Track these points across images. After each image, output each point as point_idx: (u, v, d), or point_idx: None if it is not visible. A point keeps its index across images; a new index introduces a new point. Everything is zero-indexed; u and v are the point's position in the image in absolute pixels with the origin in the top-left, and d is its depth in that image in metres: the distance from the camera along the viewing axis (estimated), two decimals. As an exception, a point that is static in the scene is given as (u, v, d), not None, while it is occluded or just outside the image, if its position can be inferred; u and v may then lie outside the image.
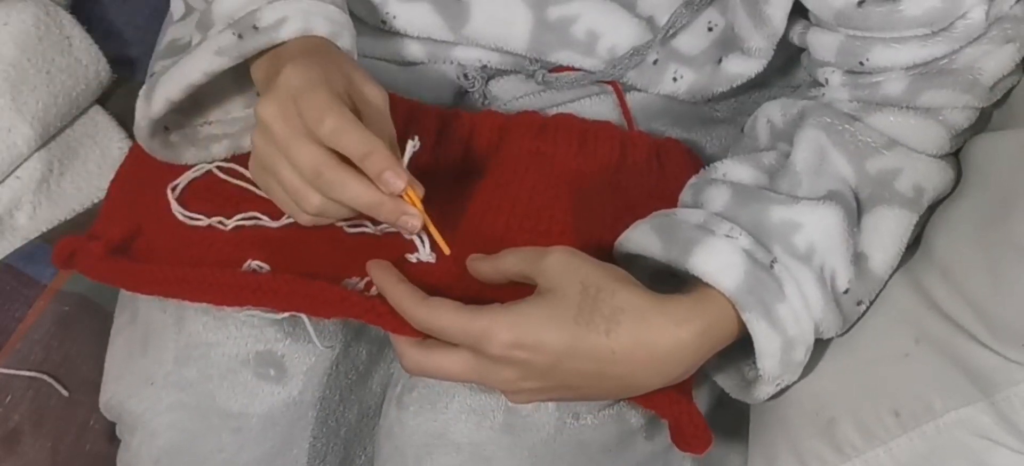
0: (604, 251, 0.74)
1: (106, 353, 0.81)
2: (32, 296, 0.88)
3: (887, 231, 0.72)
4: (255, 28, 0.69)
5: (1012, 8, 0.74)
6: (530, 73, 0.85)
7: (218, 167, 0.76)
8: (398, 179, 0.64)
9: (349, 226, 0.74)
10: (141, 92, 0.72)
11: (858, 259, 0.72)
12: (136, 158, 0.80)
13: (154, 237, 0.75)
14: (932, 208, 0.75)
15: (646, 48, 0.81)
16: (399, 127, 0.78)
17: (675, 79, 0.83)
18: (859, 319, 0.74)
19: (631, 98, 0.85)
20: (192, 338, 0.75)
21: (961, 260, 0.70)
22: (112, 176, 0.83)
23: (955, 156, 0.76)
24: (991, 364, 0.67)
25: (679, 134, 0.87)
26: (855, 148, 0.73)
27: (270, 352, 0.75)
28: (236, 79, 0.73)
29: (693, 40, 0.83)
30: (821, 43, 0.77)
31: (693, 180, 0.77)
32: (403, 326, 0.68)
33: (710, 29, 0.82)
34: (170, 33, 0.81)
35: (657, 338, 0.66)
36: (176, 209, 0.75)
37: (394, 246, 0.72)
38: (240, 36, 0.69)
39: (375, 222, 0.73)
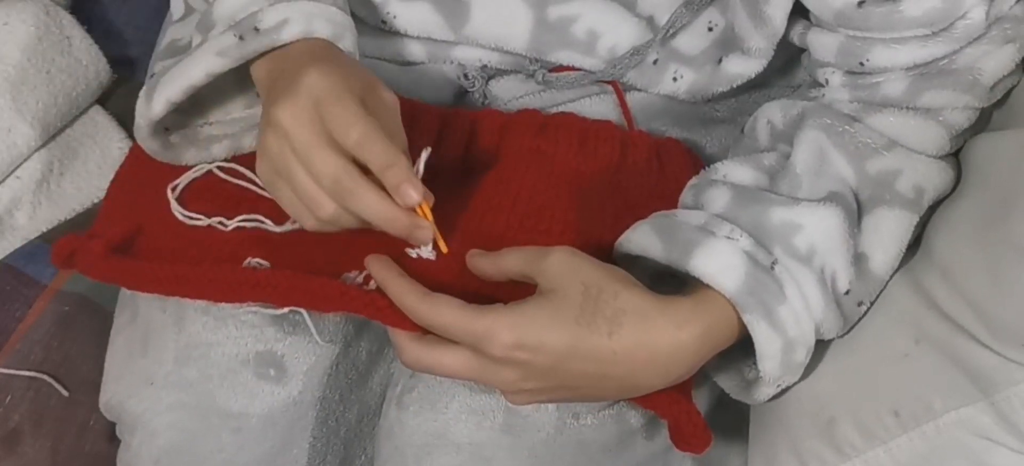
0: (604, 251, 0.74)
1: (106, 353, 0.81)
2: (32, 296, 0.88)
3: (887, 232, 0.72)
4: (256, 30, 0.69)
5: (1012, 8, 0.74)
6: (530, 73, 0.85)
7: (218, 167, 0.76)
8: (415, 193, 0.64)
9: None
10: (141, 93, 0.72)
11: (859, 260, 0.72)
12: (136, 158, 0.80)
13: (154, 237, 0.75)
14: (932, 208, 0.75)
15: (646, 48, 0.81)
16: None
17: (675, 79, 0.83)
18: (860, 320, 0.74)
19: (631, 98, 0.85)
20: (192, 338, 0.75)
21: (961, 260, 0.70)
22: (112, 176, 0.83)
23: (955, 156, 0.76)
24: (991, 364, 0.67)
25: (679, 134, 0.87)
26: (855, 149, 0.73)
27: (270, 352, 0.75)
28: (237, 80, 0.73)
29: (693, 40, 0.83)
30: (821, 43, 0.77)
31: (694, 181, 0.77)
32: (403, 321, 0.68)
33: (710, 29, 0.82)
34: (170, 33, 0.81)
35: (658, 340, 0.66)
36: (176, 209, 0.75)
37: (394, 241, 0.72)
38: (241, 38, 0.69)
39: None
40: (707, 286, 0.68)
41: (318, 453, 0.78)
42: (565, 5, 0.81)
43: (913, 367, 0.70)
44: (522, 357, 0.65)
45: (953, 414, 0.68)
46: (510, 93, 0.86)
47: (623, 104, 0.85)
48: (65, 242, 0.75)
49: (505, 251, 0.70)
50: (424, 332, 0.68)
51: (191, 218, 0.74)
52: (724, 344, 0.69)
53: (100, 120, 0.98)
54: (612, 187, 0.79)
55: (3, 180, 0.93)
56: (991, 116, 0.77)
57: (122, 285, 0.80)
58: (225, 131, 0.76)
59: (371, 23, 0.83)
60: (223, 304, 0.75)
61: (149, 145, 0.74)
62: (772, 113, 0.79)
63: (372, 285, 0.70)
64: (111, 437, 0.83)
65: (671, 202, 0.77)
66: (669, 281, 0.72)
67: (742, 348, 0.71)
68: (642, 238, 0.72)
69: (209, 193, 0.75)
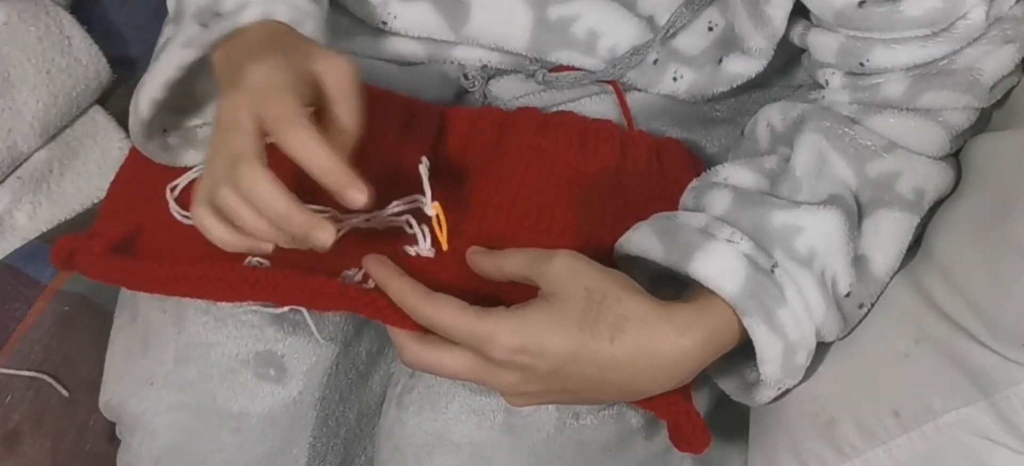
0: (604, 251, 0.74)
1: (106, 353, 0.81)
2: (32, 296, 0.88)
3: (888, 233, 0.72)
4: (218, 14, 0.69)
5: (1012, 8, 0.74)
6: (530, 73, 0.85)
7: None
8: (360, 196, 0.61)
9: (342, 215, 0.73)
10: (133, 97, 0.72)
11: (859, 262, 0.72)
12: (136, 158, 0.80)
13: (154, 237, 0.75)
14: (933, 209, 0.75)
15: (646, 48, 0.81)
16: (399, 125, 0.78)
17: (675, 79, 0.83)
18: (861, 321, 0.74)
19: (631, 98, 0.85)
20: (192, 338, 0.75)
21: (961, 260, 0.70)
22: (112, 176, 0.83)
23: (955, 157, 0.76)
24: (991, 364, 0.67)
25: (679, 134, 0.87)
26: (855, 151, 0.73)
27: (270, 352, 0.75)
28: None
29: (693, 40, 0.82)
30: (821, 44, 0.77)
31: (694, 183, 0.77)
32: (404, 320, 0.68)
33: (710, 29, 0.82)
34: (165, 32, 0.81)
35: (660, 346, 0.66)
36: (174, 209, 0.75)
37: (393, 238, 0.72)
38: (205, 25, 0.69)
39: (369, 215, 0.73)
40: (708, 290, 0.68)
41: (318, 453, 0.78)
42: (565, 5, 0.81)
43: (913, 367, 0.70)
44: (524, 361, 0.65)
45: (953, 414, 0.68)
46: (510, 93, 0.86)
47: (623, 104, 0.85)
48: (65, 243, 0.75)
49: (507, 251, 0.70)
50: (425, 332, 0.68)
51: (190, 218, 0.74)
52: (725, 349, 0.69)
53: (100, 120, 0.98)
54: (612, 187, 0.79)
55: (3, 180, 0.93)
56: (991, 116, 0.77)
57: (122, 285, 0.80)
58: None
59: (371, 24, 0.83)
60: (223, 304, 0.75)
61: (147, 148, 0.74)
62: (772, 116, 0.79)
63: (371, 283, 0.70)
64: (111, 437, 0.83)
65: (671, 202, 0.77)
66: (669, 282, 0.72)
67: (743, 351, 0.71)
68: (642, 239, 0.72)
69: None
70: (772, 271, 0.69)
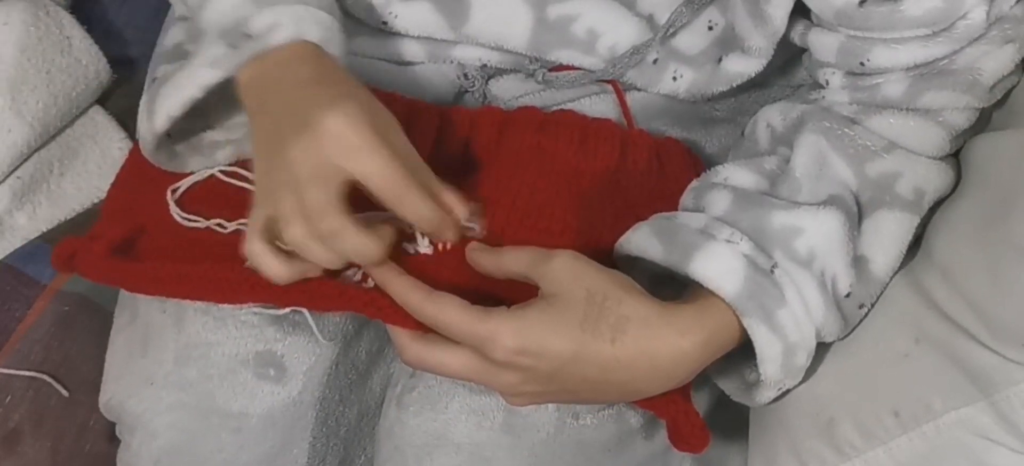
0: (604, 251, 0.74)
1: (106, 353, 0.81)
2: (32, 296, 0.88)
3: (888, 234, 0.72)
4: (247, 36, 0.69)
5: (1012, 8, 0.74)
6: (530, 72, 0.85)
7: (220, 170, 0.76)
8: (464, 210, 0.69)
9: None
10: (142, 104, 0.72)
11: (859, 262, 0.72)
12: (136, 159, 0.80)
13: (155, 238, 0.75)
14: (933, 209, 0.75)
15: (646, 47, 0.81)
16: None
17: (675, 78, 0.83)
18: (861, 321, 0.74)
19: (631, 97, 0.85)
20: (192, 338, 0.75)
21: (961, 260, 0.70)
22: (112, 176, 0.83)
23: (955, 157, 0.76)
24: (991, 364, 0.67)
25: (679, 133, 0.87)
26: (855, 152, 0.73)
27: (270, 352, 0.75)
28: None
29: (693, 39, 0.82)
30: (822, 43, 0.77)
31: (694, 183, 0.77)
32: (404, 319, 0.68)
33: (710, 28, 0.82)
34: (173, 35, 0.81)
35: (661, 347, 0.66)
36: (175, 212, 0.75)
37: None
38: (233, 46, 0.69)
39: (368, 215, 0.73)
40: (707, 290, 0.68)
41: (318, 453, 0.78)
42: (565, 4, 0.81)
43: (913, 367, 0.70)
44: (525, 362, 0.65)
45: (953, 414, 0.68)
46: (510, 92, 0.86)
47: (623, 103, 0.85)
48: (65, 245, 0.75)
49: (507, 249, 0.70)
50: (425, 331, 0.68)
51: (190, 220, 0.74)
52: (725, 350, 0.69)
53: (100, 120, 0.98)
54: (612, 187, 0.79)
55: (3, 180, 0.93)
56: (991, 116, 0.77)
57: (122, 287, 0.80)
58: (229, 137, 0.76)
59: (371, 24, 0.83)
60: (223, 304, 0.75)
61: (156, 156, 0.74)
62: (772, 116, 0.79)
63: (371, 283, 0.70)
64: (111, 437, 0.83)
65: (671, 202, 0.77)
66: (669, 283, 0.72)
67: (743, 351, 0.71)
68: (642, 240, 0.72)
69: (210, 195, 0.75)
70: (772, 272, 0.69)
